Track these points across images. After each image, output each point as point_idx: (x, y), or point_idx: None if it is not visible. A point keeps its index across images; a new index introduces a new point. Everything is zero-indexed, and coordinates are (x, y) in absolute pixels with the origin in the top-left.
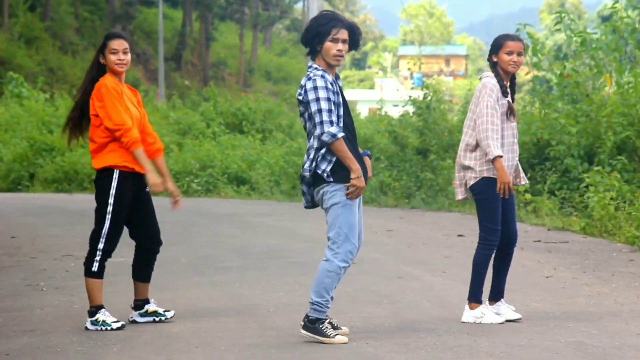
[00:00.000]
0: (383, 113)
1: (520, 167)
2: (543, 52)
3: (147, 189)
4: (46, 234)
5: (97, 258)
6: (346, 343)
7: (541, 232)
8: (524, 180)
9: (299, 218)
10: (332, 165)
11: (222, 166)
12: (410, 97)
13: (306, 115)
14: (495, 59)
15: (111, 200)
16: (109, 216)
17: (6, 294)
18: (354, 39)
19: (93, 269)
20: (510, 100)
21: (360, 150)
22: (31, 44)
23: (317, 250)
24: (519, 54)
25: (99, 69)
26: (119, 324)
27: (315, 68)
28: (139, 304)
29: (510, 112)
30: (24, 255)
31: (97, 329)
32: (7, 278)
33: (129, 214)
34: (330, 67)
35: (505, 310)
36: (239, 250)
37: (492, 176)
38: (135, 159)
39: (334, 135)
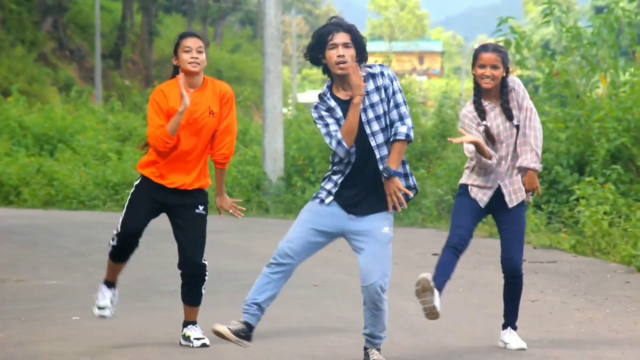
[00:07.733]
0: None
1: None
2: (529, 48)
3: (196, 210)
4: None
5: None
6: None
7: (526, 250)
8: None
9: (253, 235)
10: None
11: None
12: None
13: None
14: (474, 73)
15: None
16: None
17: None
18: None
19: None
20: (489, 125)
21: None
22: None
23: None
24: (494, 67)
25: (174, 72)
26: (99, 313)
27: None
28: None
29: (488, 138)
30: None
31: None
32: None
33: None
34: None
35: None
36: None
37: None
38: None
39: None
